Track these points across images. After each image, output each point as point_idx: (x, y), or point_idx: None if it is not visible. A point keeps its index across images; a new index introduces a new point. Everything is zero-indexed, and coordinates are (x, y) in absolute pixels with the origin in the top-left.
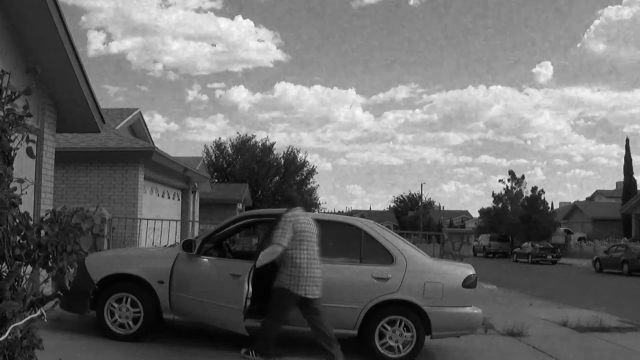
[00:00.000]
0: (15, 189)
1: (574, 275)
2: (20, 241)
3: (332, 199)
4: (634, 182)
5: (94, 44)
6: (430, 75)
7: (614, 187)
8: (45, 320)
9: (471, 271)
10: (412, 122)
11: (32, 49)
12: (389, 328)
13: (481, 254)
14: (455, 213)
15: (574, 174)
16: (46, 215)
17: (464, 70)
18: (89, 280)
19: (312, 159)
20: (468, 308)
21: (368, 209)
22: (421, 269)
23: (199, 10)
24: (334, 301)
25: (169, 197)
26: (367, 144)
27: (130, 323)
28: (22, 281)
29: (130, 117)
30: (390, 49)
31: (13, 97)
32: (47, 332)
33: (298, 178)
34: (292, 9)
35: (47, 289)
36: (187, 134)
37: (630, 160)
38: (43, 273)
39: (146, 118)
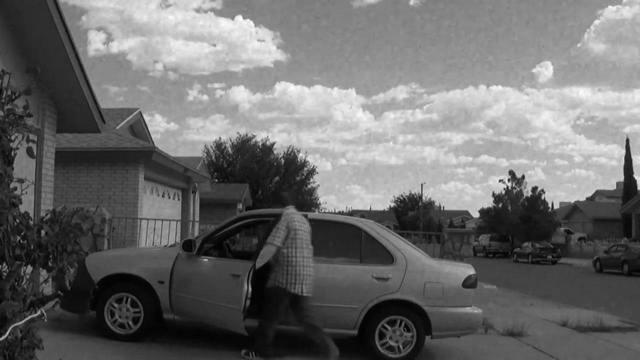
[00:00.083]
0: (15, 189)
1: (574, 275)
2: (21, 241)
3: (333, 199)
4: (634, 182)
5: (94, 44)
6: (430, 75)
7: (614, 187)
8: (46, 320)
9: (471, 271)
10: (412, 122)
11: (32, 49)
12: (389, 328)
13: (481, 254)
14: (455, 213)
15: (574, 174)
16: (46, 215)
17: (464, 70)
18: (89, 280)
19: (312, 159)
20: (468, 308)
21: (368, 209)
22: (421, 269)
23: (199, 10)
24: (334, 301)
25: (169, 197)
26: (367, 144)
27: (131, 323)
28: (22, 281)
29: (130, 117)
30: (390, 49)
31: (13, 97)
32: (48, 332)
33: (298, 178)
34: (292, 9)
35: (47, 289)
36: (187, 134)
37: (631, 160)
38: (43, 273)
39: (146, 118)
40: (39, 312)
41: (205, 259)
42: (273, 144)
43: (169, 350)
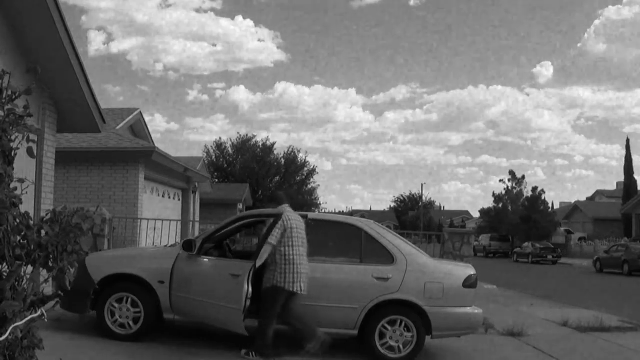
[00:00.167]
0: (15, 189)
1: (574, 275)
2: (21, 241)
3: (333, 199)
4: (635, 182)
5: (95, 44)
6: (430, 75)
7: (614, 187)
8: (46, 320)
9: (472, 271)
10: (413, 122)
11: (33, 49)
12: (389, 328)
13: (482, 254)
14: (455, 213)
15: (574, 174)
16: (47, 215)
17: (464, 70)
18: (89, 280)
19: (313, 159)
20: (469, 308)
21: (368, 209)
22: (422, 269)
23: (199, 10)
24: (334, 301)
25: (169, 197)
26: (367, 144)
27: (131, 323)
28: (22, 281)
29: (130, 117)
30: (390, 49)
31: (14, 97)
32: (48, 332)
33: (298, 178)
34: (292, 9)
35: (48, 289)
36: (187, 134)
37: (631, 160)
38: (44, 273)
39: (147, 118)
40: (39, 312)
41: (205, 259)
42: (273, 144)
43: (169, 350)
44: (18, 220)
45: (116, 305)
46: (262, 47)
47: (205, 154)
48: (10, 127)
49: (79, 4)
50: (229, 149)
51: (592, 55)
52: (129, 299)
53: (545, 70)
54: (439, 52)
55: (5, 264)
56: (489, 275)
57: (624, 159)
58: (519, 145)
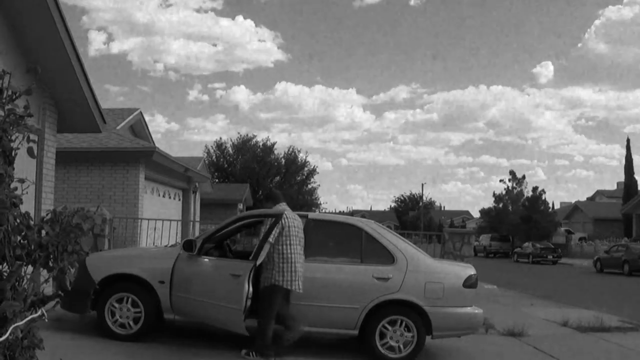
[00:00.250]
0: (16, 189)
1: (574, 275)
2: (21, 241)
3: (333, 199)
4: (635, 182)
5: (95, 44)
6: (430, 75)
7: (614, 187)
8: (46, 320)
9: (472, 271)
10: (413, 122)
11: (33, 49)
12: (389, 328)
13: (482, 254)
14: (456, 213)
15: (574, 174)
16: (47, 215)
17: (464, 70)
18: (89, 280)
19: (313, 159)
20: (469, 308)
21: (369, 209)
22: (422, 269)
23: (199, 10)
24: (334, 301)
25: (169, 197)
26: (367, 144)
27: (131, 323)
28: (23, 281)
29: (131, 117)
30: (391, 48)
31: (14, 97)
32: (48, 332)
33: (299, 178)
34: (292, 8)
35: (48, 289)
36: (187, 134)
37: (631, 160)
38: (44, 273)
39: (147, 118)
40: (39, 312)
41: (205, 259)
42: (274, 144)
43: (169, 350)
44: (18, 220)
45: (116, 305)
46: (263, 47)
47: (206, 154)
48: (11, 127)
49: (79, 4)
50: (229, 149)
51: (593, 55)
52: (129, 299)
53: (546, 70)
54: (439, 52)
55: (5, 264)
56: (489, 275)
57: (624, 159)
58: (519, 145)
